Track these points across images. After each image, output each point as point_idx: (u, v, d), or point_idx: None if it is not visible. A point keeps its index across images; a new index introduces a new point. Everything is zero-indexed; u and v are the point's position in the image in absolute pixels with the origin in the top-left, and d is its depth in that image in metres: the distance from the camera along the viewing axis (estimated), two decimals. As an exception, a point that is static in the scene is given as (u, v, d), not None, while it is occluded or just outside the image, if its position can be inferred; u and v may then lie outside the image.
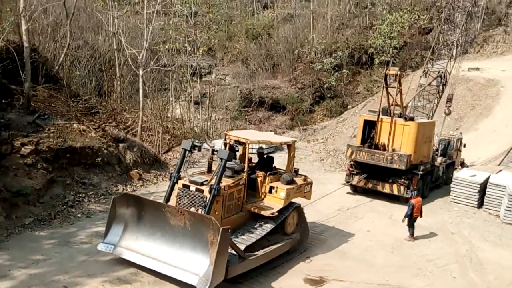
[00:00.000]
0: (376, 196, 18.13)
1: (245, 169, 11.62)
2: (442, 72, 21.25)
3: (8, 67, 17.25)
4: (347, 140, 25.68)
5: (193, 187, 10.77)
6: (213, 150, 11.85)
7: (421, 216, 14.29)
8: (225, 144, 12.18)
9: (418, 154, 17.75)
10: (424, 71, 22.15)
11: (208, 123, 30.57)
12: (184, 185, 10.96)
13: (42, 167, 14.53)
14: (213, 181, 10.46)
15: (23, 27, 17.66)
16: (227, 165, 10.82)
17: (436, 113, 21.46)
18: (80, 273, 10.38)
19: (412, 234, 14.26)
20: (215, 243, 9.19)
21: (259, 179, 12.04)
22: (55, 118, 17.52)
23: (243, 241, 10.81)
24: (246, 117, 35.64)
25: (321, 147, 27.64)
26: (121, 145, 18.49)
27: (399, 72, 17.63)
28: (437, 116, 21.66)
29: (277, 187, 11.90)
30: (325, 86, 35.87)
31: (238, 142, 11.86)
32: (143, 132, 22.47)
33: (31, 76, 17.92)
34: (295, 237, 12.48)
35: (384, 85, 17.84)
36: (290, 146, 12.80)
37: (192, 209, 10.48)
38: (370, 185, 18.13)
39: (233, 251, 10.19)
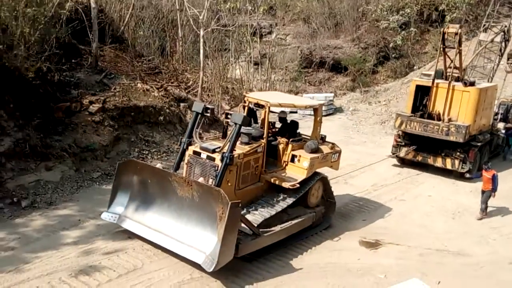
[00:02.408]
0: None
1: (265, 135, 10.54)
2: (506, 27, 19.03)
3: (77, 27, 17.92)
4: (411, 102, 24.63)
5: (204, 155, 9.82)
6: (227, 114, 10.93)
7: None
8: (243, 107, 11.16)
9: (478, 124, 16.03)
10: (484, 25, 19.97)
11: (267, 84, 30.40)
12: (194, 152, 10.03)
13: (108, 124, 15.26)
14: (225, 149, 9.45)
15: (90, -12, 18.22)
16: (244, 131, 9.92)
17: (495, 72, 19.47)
18: (143, 225, 10.90)
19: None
20: (223, 218, 8.28)
21: (280, 146, 10.94)
22: (121, 78, 18.13)
23: (258, 216, 9.84)
24: (306, 78, 34.95)
25: (383, 109, 26.75)
26: (182, 104, 18.95)
27: (459, 30, 15.73)
28: (497, 77, 19.79)
29: (300, 156, 10.70)
30: (390, 45, 34.16)
31: (258, 105, 10.76)
32: (203, 92, 22.81)
33: (98, 37, 18.57)
34: (319, 210, 11.41)
35: (441, 45, 16.14)
36: (317, 110, 11.45)
37: (201, 179, 9.57)
38: (419, 158, 16.50)
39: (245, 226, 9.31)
